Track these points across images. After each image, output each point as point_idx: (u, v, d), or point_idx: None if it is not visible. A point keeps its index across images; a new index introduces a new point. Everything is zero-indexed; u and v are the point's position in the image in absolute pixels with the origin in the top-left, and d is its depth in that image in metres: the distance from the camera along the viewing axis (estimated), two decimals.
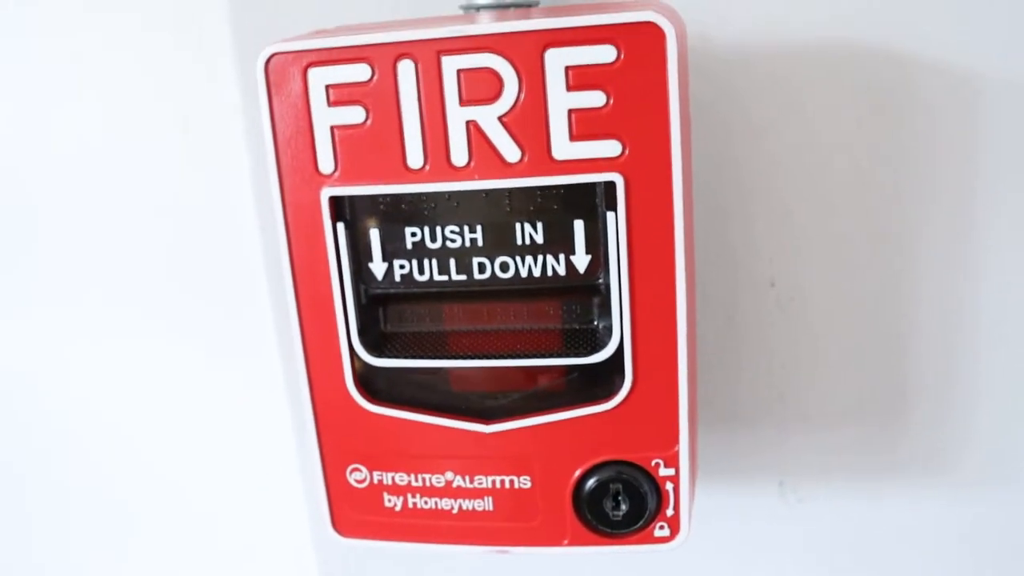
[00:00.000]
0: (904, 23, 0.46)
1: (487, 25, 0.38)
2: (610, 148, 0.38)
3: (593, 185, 0.39)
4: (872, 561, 0.55)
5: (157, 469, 0.62)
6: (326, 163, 0.40)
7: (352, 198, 0.40)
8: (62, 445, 0.63)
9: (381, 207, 0.41)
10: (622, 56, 0.37)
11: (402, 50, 0.38)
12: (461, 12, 0.47)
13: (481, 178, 0.39)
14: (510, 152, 0.38)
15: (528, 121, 0.38)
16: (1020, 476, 0.53)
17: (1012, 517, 0.53)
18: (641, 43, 0.37)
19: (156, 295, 0.57)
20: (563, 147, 0.38)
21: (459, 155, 0.39)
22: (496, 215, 0.40)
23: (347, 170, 0.40)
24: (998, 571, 0.55)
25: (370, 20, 0.47)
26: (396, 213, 0.40)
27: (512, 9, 0.45)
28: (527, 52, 0.37)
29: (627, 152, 0.38)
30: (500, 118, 0.38)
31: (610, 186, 0.38)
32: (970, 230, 0.49)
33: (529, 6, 0.46)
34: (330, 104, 0.39)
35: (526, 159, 0.38)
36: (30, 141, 0.56)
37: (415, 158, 0.39)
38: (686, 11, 0.44)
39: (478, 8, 0.46)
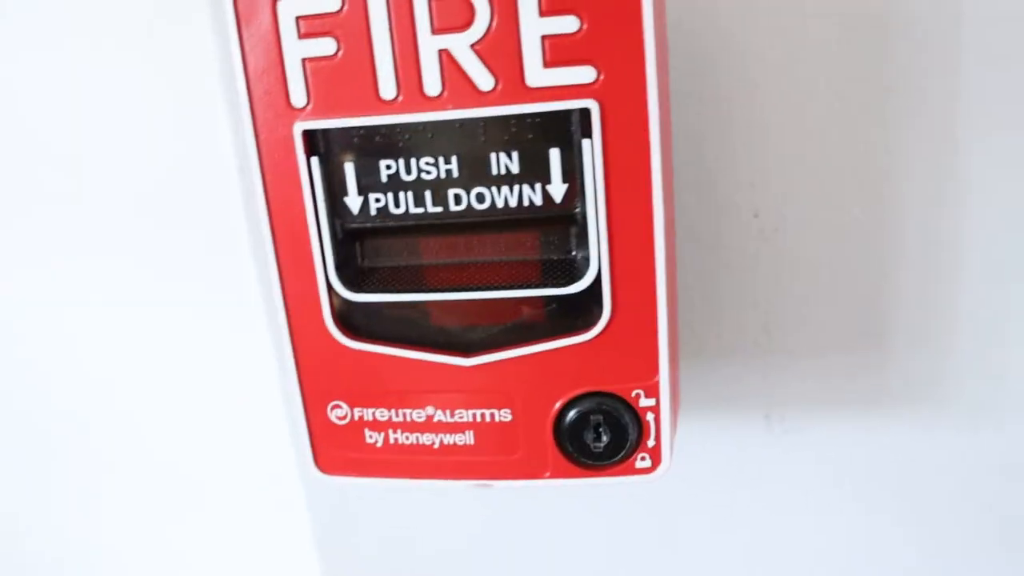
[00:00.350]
0: None
1: None
2: (585, 74, 0.37)
3: (568, 112, 0.38)
4: (861, 491, 0.56)
5: (139, 413, 0.62)
6: (298, 97, 0.39)
7: (325, 131, 0.40)
8: (37, 392, 0.63)
9: (355, 140, 0.40)
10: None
11: None
12: None
13: (455, 107, 0.38)
14: (483, 80, 0.38)
15: (501, 48, 0.38)
16: (1003, 401, 0.53)
17: (997, 441, 0.53)
18: None
19: (130, 233, 0.57)
20: (537, 74, 0.38)
21: (432, 84, 0.38)
22: (471, 145, 0.39)
23: (320, 103, 0.39)
24: (986, 494, 0.55)
25: None
26: (370, 146, 0.40)
27: None
28: None
29: (602, 78, 0.37)
30: (472, 46, 0.38)
31: (585, 113, 0.38)
32: (954, 156, 0.49)
33: None
34: (300, 36, 0.39)
35: (500, 87, 0.38)
36: None
37: (388, 89, 0.39)
38: None
39: None
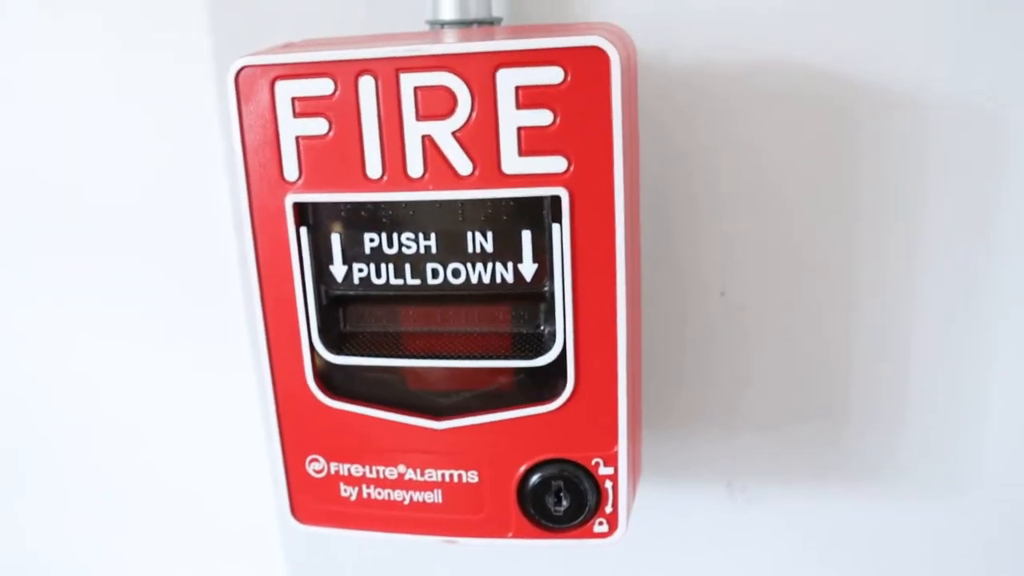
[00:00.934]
0: (852, 46, 0.49)
1: (443, 45, 0.40)
2: (556, 164, 0.40)
3: (540, 198, 0.41)
4: (824, 557, 0.58)
5: (144, 457, 0.65)
6: (291, 171, 0.42)
7: (315, 204, 0.43)
8: (34, 433, 0.66)
9: (342, 213, 0.43)
10: (569, 78, 0.39)
11: (363, 66, 0.40)
12: (427, 27, 0.49)
13: (435, 189, 0.41)
14: (462, 165, 0.41)
15: (480, 137, 0.40)
16: (956, 476, 0.55)
17: (949, 515, 0.56)
18: (587, 66, 0.39)
19: (133, 288, 0.60)
20: (512, 162, 0.40)
21: (415, 167, 0.41)
22: (449, 224, 0.42)
23: (310, 178, 0.42)
24: (938, 567, 0.57)
25: (341, 32, 0.49)
26: (356, 219, 0.43)
27: (475, 26, 0.48)
28: (480, 72, 0.40)
29: (572, 168, 0.40)
30: (454, 133, 0.40)
31: (556, 200, 0.41)
32: (910, 243, 0.51)
33: (492, 23, 0.48)
34: (295, 115, 0.42)
35: (477, 172, 0.41)
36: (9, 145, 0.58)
37: (374, 168, 0.41)
38: (644, 32, 0.46)
39: (442, 24, 0.48)
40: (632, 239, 0.43)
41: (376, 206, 0.42)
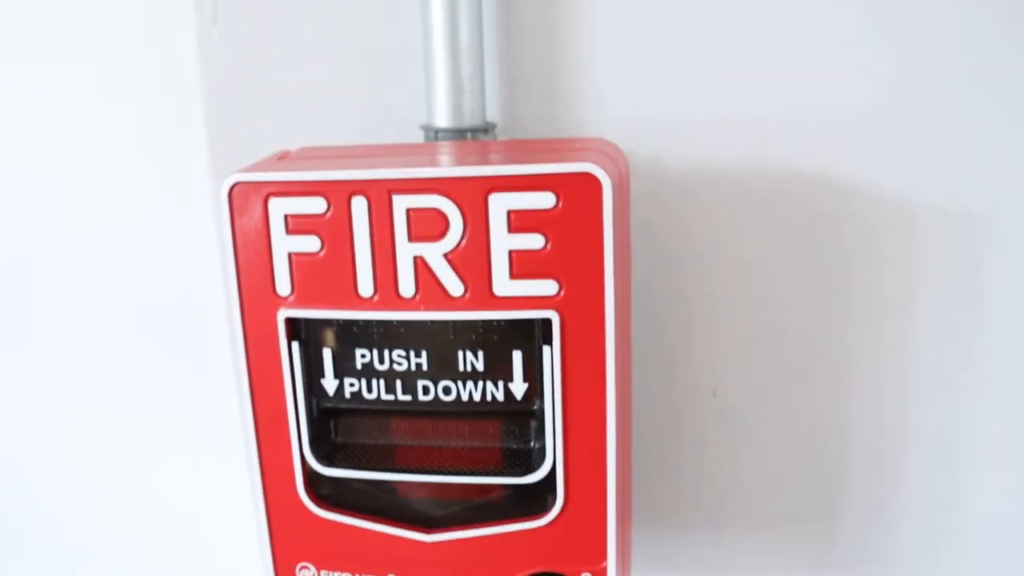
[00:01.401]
0: (842, 153, 0.49)
1: (435, 168, 0.40)
2: (547, 287, 0.40)
3: (531, 320, 0.41)
4: None
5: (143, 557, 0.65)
6: (283, 286, 0.42)
7: (307, 320, 0.43)
8: (28, 507, 0.66)
9: (334, 329, 0.43)
10: (560, 203, 0.40)
11: (356, 187, 0.41)
12: (421, 133, 0.49)
13: (426, 309, 0.41)
14: (454, 287, 0.41)
15: (471, 259, 0.41)
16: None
17: None
18: (579, 192, 0.39)
19: (135, 390, 0.60)
20: (503, 284, 0.41)
21: (406, 287, 0.41)
22: (440, 342, 0.42)
23: (302, 294, 0.42)
24: None
25: (338, 134, 0.50)
26: (348, 335, 0.43)
27: (469, 135, 0.48)
28: (472, 195, 0.40)
29: (563, 292, 0.40)
30: (446, 255, 0.41)
31: (546, 322, 0.41)
32: (901, 345, 0.52)
33: (486, 131, 0.49)
34: (288, 232, 0.42)
35: (468, 294, 0.41)
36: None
37: (366, 287, 0.42)
38: (638, 138, 0.47)
39: (436, 132, 0.48)
40: (622, 357, 0.43)
41: (368, 324, 0.43)
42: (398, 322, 0.43)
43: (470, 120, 0.48)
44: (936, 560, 0.55)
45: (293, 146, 0.48)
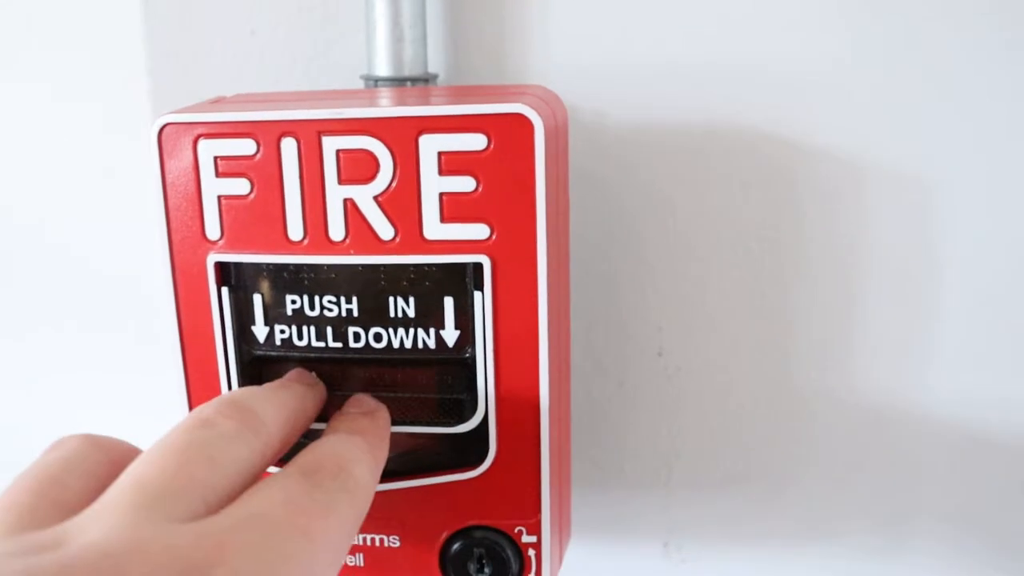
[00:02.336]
0: (794, 104, 0.48)
1: (365, 109, 0.40)
2: (479, 231, 0.40)
3: (463, 265, 0.40)
4: None
5: None
6: (213, 230, 0.42)
7: (237, 264, 0.42)
8: None
9: (264, 274, 0.42)
10: (492, 145, 0.39)
11: (285, 128, 0.40)
12: (362, 83, 0.48)
13: (356, 253, 0.41)
14: (384, 230, 0.40)
15: (402, 202, 0.40)
16: (899, 545, 0.55)
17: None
18: (510, 133, 0.39)
19: (71, 339, 0.59)
20: (434, 228, 0.40)
21: (336, 231, 0.41)
22: (371, 288, 0.42)
23: (232, 238, 0.42)
24: None
25: (279, 85, 0.49)
26: (278, 281, 0.42)
27: (408, 84, 0.47)
28: (402, 137, 0.39)
29: (495, 236, 0.40)
30: (376, 198, 0.40)
31: (478, 267, 0.40)
32: (847, 304, 0.51)
33: (427, 80, 0.48)
34: (218, 175, 0.41)
35: (399, 238, 0.40)
36: None
37: (295, 231, 0.41)
38: (585, 90, 0.47)
39: (376, 81, 0.47)
40: (558, 305, 0.42)
41: (298, 268, 0.42)
42: (328, 267, 0.42)
43: (410, 70, 0.48)
44: (887, 527, 0.54)
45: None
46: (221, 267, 0.42)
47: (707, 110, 0.49)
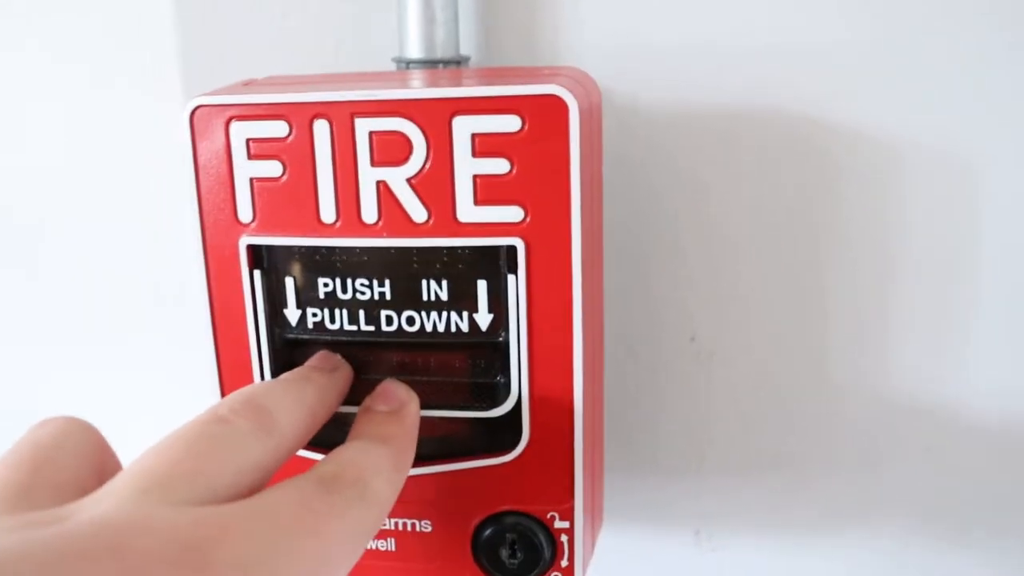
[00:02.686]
0: (826, 88, 0.48)
1: (399, 90, 0.39)
2: (512, 214, 0.39)
3: (496, 248, 0.40)
4: None
5: None
6: (245, 213, 0.42)
7: (269, 247, 0.42)
8: None
9: (296, 257, 0.42)
10: (526, 126, 0.39)
11: (318, 110, 0.40)
12: (393, 65, 0.48)
13: (389, 236, 0.40)
14: (417, 213, 0.40)
15: (435, 184, 0.40)
16: (935, 538, 0.54)
17: (923, 565, 0.55)
18: (544, 115, 0.38)
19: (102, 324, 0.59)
20: (468, 211, 0.40)
21: (369, 213, 0.40)
22: (404, 271, 0.41)
23: (264, 221, 0.41)
24: None
25: (310, 67, 0.49)
26: (310, 263, 0.42)
27: (441, 66, 0.47)
28: (435, 118, 0.39)
29: (529, 218, 0.39)
30: (409, 180, 0.40)
31: (511, 250, 0.40)
32: (883, 288, 0.50)
33: (459, 63, 0.48)
34: (250, 157, 0.41)
35: (432, 220, 0.40)
36: None
37: (328, 213, 0.41)
38: (620, 72, 0.46)
39: (408, 63, 0.47)
40: (591, 289, 0.42)
41: (330, 251, 0.42)
42: (361, 249, 0.42)
43: (442, 52, 0.47)
44: (926, 515, 0.54)
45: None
46: (253, 250, 0.42)
47: (741, 91, 0.49)
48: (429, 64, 0.47)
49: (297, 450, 0.37)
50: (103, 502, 0.29)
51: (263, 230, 0.42)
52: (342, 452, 0.36)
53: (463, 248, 0.41)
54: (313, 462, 0.36)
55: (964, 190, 0.48)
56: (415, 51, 0.47)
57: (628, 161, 0.50)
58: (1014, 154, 0.48)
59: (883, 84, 0.48)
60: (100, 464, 0.33)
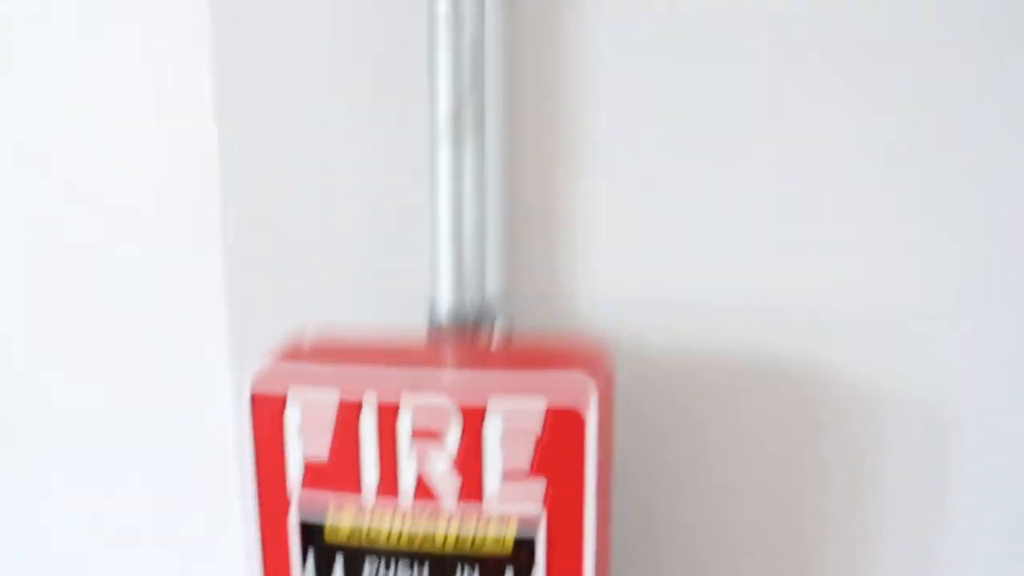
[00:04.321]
0: (825, 343, 0.52)
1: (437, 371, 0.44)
2: (533, 508, 0.44)
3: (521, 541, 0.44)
4: None
5: None
6: (295, 487, 0.46)
7: (318, 526, 0.46)
8: None
9: (342, 536, 0.46)
10: (545, 432, 0.43)
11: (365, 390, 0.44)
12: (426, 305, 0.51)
13: (422, 520, 0.45)
14: (449, 501, 0.44)
15: (467, 469, 0.44)
16: None
17: None
18: (563, 428, 0.43)
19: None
20: (493, 504, 0.44)
21: (406, 497, 0.45)
22: (436, 554, 0.45)
23: (311, 495, 0.46)
24: None
25: (350, 310, 0.53)
26: (356, 546, 0.46)
27: (471, 325, 0.50)
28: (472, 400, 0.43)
29: (546, 516, 0.44)
30: (445, 469, 0.44)
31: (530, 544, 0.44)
32: (869, 531, 0.54)
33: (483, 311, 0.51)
34: (301, 439, 0.45)
35: (461, 511, 0.44)
36: None
37: (369, 492, 0.45)
38: (629, 320, 0.51)
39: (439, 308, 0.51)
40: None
41: (375, 532, 0.45)
42: (399, 534, 0.45)
43: (470, 292, 0.51)
44: None
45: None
46: (305, 528, 0.46)
47: (747, 346, 0.52)
48: (459, 318, 0.50)
49: None
50: None
51: (311, 505, 0.46)
52: None
53: (492, 536, 0.45)
54: None
55: (940, 443, 0.52)
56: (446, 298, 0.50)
57: (639, 409, 0.53)
58: (994, 408, 0.51)
59: (870, 342, 0.51)
60: None
